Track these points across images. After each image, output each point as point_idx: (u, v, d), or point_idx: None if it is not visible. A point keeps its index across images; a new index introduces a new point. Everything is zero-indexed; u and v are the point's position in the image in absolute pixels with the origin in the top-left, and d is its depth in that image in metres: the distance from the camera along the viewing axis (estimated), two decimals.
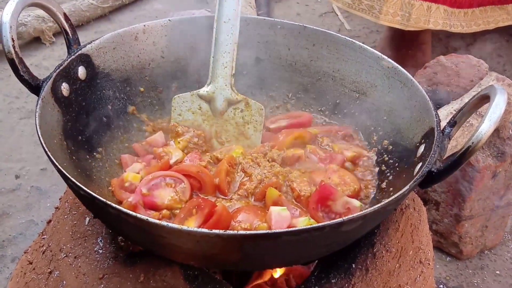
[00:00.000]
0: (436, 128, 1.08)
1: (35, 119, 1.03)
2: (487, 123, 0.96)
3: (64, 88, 1.15)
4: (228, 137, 1.27)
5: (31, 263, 1.19)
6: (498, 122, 0.98)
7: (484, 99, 1.02)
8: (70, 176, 0.93)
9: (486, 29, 2.10)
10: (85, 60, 1.22)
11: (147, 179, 1.14)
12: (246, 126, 1.27)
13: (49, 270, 1.13)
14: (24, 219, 1.83)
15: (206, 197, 1.14)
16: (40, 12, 2.58)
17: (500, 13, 2.09)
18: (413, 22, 2.00)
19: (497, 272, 1.74)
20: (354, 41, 1.33)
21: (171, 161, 1.20)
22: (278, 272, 1.23)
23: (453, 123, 1.08)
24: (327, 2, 2.91)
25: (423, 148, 1.10)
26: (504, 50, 2.53)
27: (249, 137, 1.27)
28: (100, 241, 1.12)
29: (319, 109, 1.38)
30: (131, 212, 0.87)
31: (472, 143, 0.97)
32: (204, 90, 1.25)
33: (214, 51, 1.23)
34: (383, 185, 1.18)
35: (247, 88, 1.39)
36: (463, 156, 0.98)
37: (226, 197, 1.14)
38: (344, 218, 0.89)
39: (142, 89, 1.33)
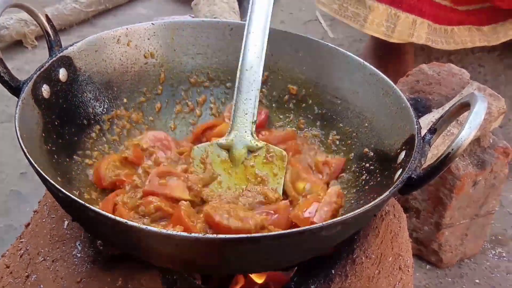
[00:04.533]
0: (416, 135, 1.08)
1: (15, 121, 1.02)
2: (467, 130, 0.97)
3: (45, 90, 1.14)
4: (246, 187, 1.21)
5: (8, 267, 1.17)
6: (478, 129, 0.98)
7: (465, 106, 1.03)
8: (48, 178, 0.93)
9: (464, 48, 2.12)
10: (67, 62, 1.21)
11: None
12: (264, 174, 1.21)
13: (27, 274, 1.11)
14: (3, 223, 1.81)
15: None
16: (23, 15, 2.56)
17: (477, 34, 2.10)
18: (397, 34, 2.00)
19: (476, 280, 1.75)
20: (337, 48, 1.33)
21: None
22: (258, 278, 1.22)
23: (433, 130, 1.08)
24: (311, 10, 2.92)
25: (403, 154, 1.11)
26: (486, 60, 2.55)
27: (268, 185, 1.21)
28: (79, 244, 1.11)
29: (301, 114, 1.38)
30: (109, 215, 0.87)
31: (452, 149, 0.97)
32: (224, 139, 1.21)
33: (235, 99, 1.19)
34: (363, 190, 1.19)
35: (229, 92, 1.39)
36: (443, 162, 0.98)
37: None
38: (323, 223, 0.89)
39: (124, 92, 1.33)
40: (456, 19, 2.05)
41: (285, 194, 1.22)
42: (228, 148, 1.22)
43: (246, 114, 1.20)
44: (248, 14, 1.20)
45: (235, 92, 1.21)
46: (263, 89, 1.40)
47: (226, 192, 1.19)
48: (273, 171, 1.21)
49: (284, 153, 1.22)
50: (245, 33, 1.21)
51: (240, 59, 1.20)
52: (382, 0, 1.99)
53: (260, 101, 1.35)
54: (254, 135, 1.22)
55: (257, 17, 1.20)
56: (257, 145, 1.21)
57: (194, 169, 1.21)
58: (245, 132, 1.21)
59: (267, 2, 1.20)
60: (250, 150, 1.22)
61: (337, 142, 1.32)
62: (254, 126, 1.21)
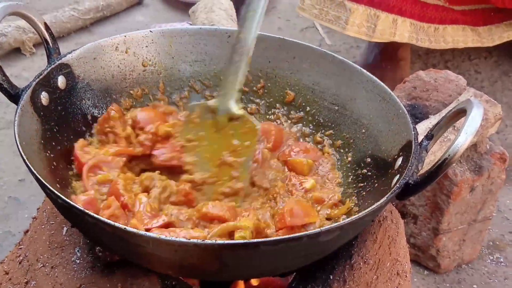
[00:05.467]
0: (413, 141, 1.09)
1: (14, 128, 1.03)
2: (463, 136, 0.97)
3: (44, 97, 1.15)
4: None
5: (7, 273, 1.17)
6: (475, 135, 0.99)
7: (461, 112, 1.04)
8: (48, 185, 0.93)
9: (454, 48, 2.13)
10: (65, 69, 1.22)
11: None
12: (238, 145, 1.23)
13: (26, 280, 1.12)
14: (1, 230, 1.81)
15: None
16: (21, 22, 2.57)
17: (471, 34, 2.11)
18: (378, 34, 2.02)
19: (474, 286, 1.75)
20: (334, 54, 1.34)
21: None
22: (255, 284, 1.23)
23: (430, 136, 1.09)
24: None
25: (400, 160, 1.11)
26: (482, 67, 2.56)
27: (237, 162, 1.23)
28: (78, 251, 1.11)
29: (299, 122, 1.39)
30: (108, 221, 0.87)
31: (449, 155, 0.98)
32: (212, 101, 1.24)
33: (226, 67, 1.22)
34: (361, 196, 1.19)
35: None
36: (440, 168, 0.99)
37: None
38: (321, 228, 0.90)
39: (122, 99, 1.33)
40: (449, 18, 2.06)
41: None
42: (214, 112, 1.24)
43: (233, 82, 1.21)
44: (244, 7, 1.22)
45: (227, 62, 1.22)
46: (260, 95, 1.42)
47: (204, 164, 1.22)
48: (245, 143, 1.22)
49: (257, 127, 1.22)
50: (244, 10, 1.21)
51: (236, 35, 1.21)
52: (362, 1, 2.01)
53: (257, 109, 1.37)
54: (238, 103, 1.23)
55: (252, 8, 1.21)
56: (236, 113, 1.23)
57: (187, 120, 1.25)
58: (229, 99, 1.22)
59: None
60: (231, 118, 1.23)
61: (334, 148, 1.33)
62: (239, 95, 1.23)
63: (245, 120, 1.22)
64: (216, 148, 1.22)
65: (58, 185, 1.09)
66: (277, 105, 1.41)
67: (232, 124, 1.22)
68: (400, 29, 2.01)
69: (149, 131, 1.26)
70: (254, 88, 1.41)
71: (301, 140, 1.37)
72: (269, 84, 1.41)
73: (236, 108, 1.22)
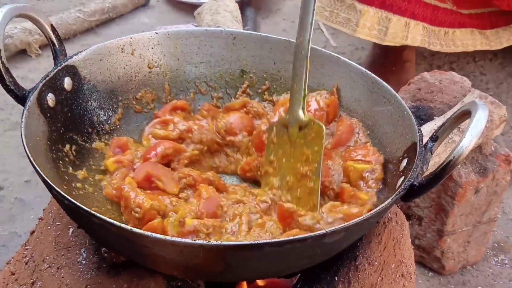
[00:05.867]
0: (418, 143, 1.09)
1: (21, 129, 1.03)
2: (468, 137, 0.98)
3: (50, 98, 1.15)
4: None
5: (13, 274, 1.18)
6: (479, 137, 0.99)
7: (466, 114, 1.04)
8: (54, 186, 0.94)
9: (464, 51, 2.12)
10: (71, 71, 1.22)
11: None
12: (308, 153, 1.22)
13: (32, 280, 1.12)
14: (7, 231, 1.82)
15: None
16: (27, 24, 2.58)
17: (479, 37, 2.11)
18: (390, 37, 2.01)
19: None
20: (339, 56, 1.34)
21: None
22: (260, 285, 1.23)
23: (435, 138, 1.09)
24: None
25: (405, 162, 1.12)
26: (487, 68, 2.56)
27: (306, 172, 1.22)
28: (84, 251, 1.11)
29: None
30: (114, 222, 0.88)
31: (454, 157, 0.98)
32: (284, 116, 1.24)
33: (292, 80, 1.21)
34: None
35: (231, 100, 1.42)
36: (445, 170, 0.99)
37: None
38: (326, 230, 0.90)
39: (127, 101, 1.34)
40: (458, 22, 2.05)
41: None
42: (286, 125, 1.24)
43: (298, 90, 1.21)
44: (300, 10, 1.21)
45: (292, 75, 1.22)
46: (265, 96, 1.42)
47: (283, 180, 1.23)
48: (314, 148, 1.21)
49: (322, 127, 1.21)
50: (300, 18, 1.20)
51: (296, 42, 1.20)
52: (373, 4, 1.99)
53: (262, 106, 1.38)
54: (305, 110, 1.22)
55: (307, 11, 1.20)
56: (303, 120, 1.22)
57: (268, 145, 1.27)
58: (297, 108, 1.21)
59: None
60: (301, 127, 1.22)
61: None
62: (305, 101, 1.22)
63: (311, 124, 1.22)
64: (293, 163, 1.22)
65: (64, 186, 1.09)
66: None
67: (302, 133, 1.22)
68: (413, 33, 2.00)
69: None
70: (259, 90, 1.42)
71: None
72: (274, 86, 1.41)
73: (302, 115, 1.22)
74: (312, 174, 1.19)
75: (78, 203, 0.91)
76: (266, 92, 1.42)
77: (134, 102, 1.35)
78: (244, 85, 1.42)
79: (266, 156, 1.25)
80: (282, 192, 1.21)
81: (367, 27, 2.02)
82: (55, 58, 1.23)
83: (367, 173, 1.20)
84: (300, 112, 1.21)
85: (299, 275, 1.16)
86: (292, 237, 0.89)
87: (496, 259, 1.84)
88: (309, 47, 1.18)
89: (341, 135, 1.30)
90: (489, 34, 2.13)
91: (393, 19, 1.99)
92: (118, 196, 1.15)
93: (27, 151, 0.99)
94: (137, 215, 1.10)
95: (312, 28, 1.19)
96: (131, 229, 0.87)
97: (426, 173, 1.05)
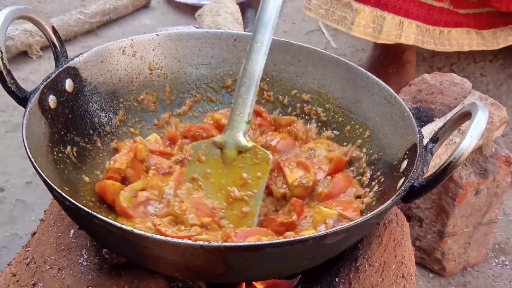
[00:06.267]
0: (419, 144, 1.09)
1: (22, 131, 1.04)
2: (468, 139, 0.98)
3: (51, 100, 1.16)
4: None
5: (14, 275, 1.18)
6: (480, 138, 0.99)
7: (466, 116, 1.04)
8: (56, 187, 0.94)
9: (459, 51, 2.13)
10: (73, 73, 1.22)
11: None
12: (247, 178, 1.20)
13: (33, 282, 1.12)
14: (8, 232, 1.82)
15: None
16: (28, 26, 2.58)
17: (476, 37, 2.12)
18: (384, 35, 2.02)
19: None
20: (339, 57, 1.34)
21: None
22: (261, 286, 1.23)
23: (435, 139, 1.09)
24: (313, 21, 2.94)
25: (406, 163, 1.12)
26: (488, 70, 2.57)
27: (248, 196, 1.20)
28: (85, 253, 1.12)
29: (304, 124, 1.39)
30: (116, 223, 0.88)
31: (454, 158, 0.98)
32: (218, 137, 1.23)
33: (234, 101, 1.21)
34: (366, 199, 1.19)
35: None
36: (445, 171, 0.99)
37: None
38: (327, 231, 0.90)
39: (128, 102, 1.34)
40: (454, 21, 2.06)
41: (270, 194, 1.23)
42: (221, 147, 1.23)
43: (241, 114, 1.21)
44: (255, 25, 1.22)
45: (234, 95, 1.22)
46: (266, 97, 1.42)
47: (212, 194, 1.20)
48: (257, 174, 1.20)
49: (270, 156, 1.21)
50: (250, 43, 1.22)
51: (242, 67, 1.21)
52: (368, 2, 2.01)
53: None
54: (246, 136, 1.22)
55: (263, 30, 1.21)
56: (246, 145, 1.21)
57: (190, 166, 1.24)
58: (238, 132, 1.21)
59: (273, 16, 1.22)
60: (240, 151, 1.22)
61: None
62: (247, 126, 1.22)
63: (256, 150, 1.21)
64: (225, 184, 1.20)
65: (65, 188, 1.10)
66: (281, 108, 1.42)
67: (242, 157, 1.21)
68: (406, 31, 2.02)
69: None
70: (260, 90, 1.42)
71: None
72: (275, 88, 1.41)
73: (245, 141, 1.21)
74: (251, 199, 1.17)
75: (79, 205, 0.91)
76: (265, 93, 1.42)
77: (135, 104, 1.35)
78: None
79: (188, 173, 1.22)
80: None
81: (362, 25, 2.03)
82: (56, 59, 1.23)
83: (331, 220, 1.14)
84: (241, 137, 1.21)
85: (299, 276, 1.16)
86: (293, 238, 0.90)
87: (496, 261, 1.85)
88: (260, 76, 1.20)
89: (335, 189, 1.23)
90: (486, 34, 2.14)
91: (387, 17, 2.00)
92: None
93: (29, 153, 1.00)
94: (108, 164, 1.20)
95: (265, 58, 1.20)
96: (132, 230, 0.87)
97: (427, 175, 1.05)
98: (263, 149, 1.22)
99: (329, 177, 1.24)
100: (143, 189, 1.16)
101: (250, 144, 1.21)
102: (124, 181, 1.20)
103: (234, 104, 1.21)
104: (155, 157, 1.27)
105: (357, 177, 1.26)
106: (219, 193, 1.19)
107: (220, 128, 1.33)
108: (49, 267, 1.11)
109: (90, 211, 0.90)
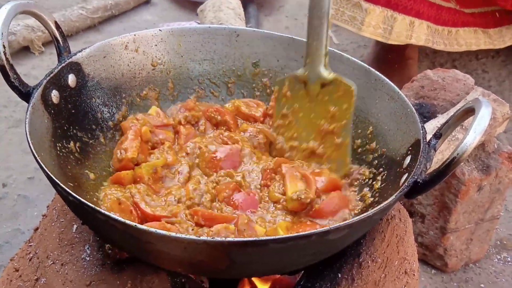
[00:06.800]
0: (422, 140, 1.09)
1: (25, 126, 1.04)
2: (472, 135, 0.98)
3: (54, 95, 1.16)
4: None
5: (17, 270, 1.18)
6: (483, 134, 0.99)
7: (469, 112, 1.04)
8: (59, 182, 0.94)
9: (468, 50, 2.13)
10: (75, 68, 1.22)
11: None
12: (335, 110, 1.22)
13: (36, 277, 1.12)
14: (11, 228, 1.82)
15: None
16: (30, 21, 2.58)
17: (483, 36, 2.11)
18: (395, 35, 2.02)
19: (482, 285, 1.75)
20: (342, 53, 1.34)
21: None
22: (263, 282, 1.23)
23: (438, 135, 1.09)
24: None
25: (409, 159, 1.12)
26: (490, 66, 2.56)
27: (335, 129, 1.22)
28: (88, 248, 1.12)
29: None
30: (119, 218, 0.88)
31: (457, 154, 0.98)
32: (300, 71, 1.24)
33: (308, 36, 1.22)
34: (370, 195, 1.19)
35: (235, 96, 1.42)
36: (448, 167, 0.99)
37: None
38: (330, 226, 0.90)
39: (131, 98, 1.34)
40: (461, 21, 2.06)
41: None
42: (304, 82, 1.24)
43: (318, 47, 1.21)
44: None
45: (307, 30, 1.22)
46: (269, 93, 1.42)
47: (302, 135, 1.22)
48: (343, 106, 1.22)
49: (352, 87, 1.22)
50: None
51: (309, 1, 1.21)
52: (378, 2, 2.00)
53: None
54: (327, 67, 1.23)
55: None
56: (328, 78, 1.23)
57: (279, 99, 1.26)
58: (318, 65, 1.22)
59: None
60: (323, 84, 1.23)
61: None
62: (327, 58, 1.22)
63: (338, 82, 1.22)
64: (314, 118, 1.22)
65: (69, 182, 1.10)
66: None
67: (326, 90, 1.22)
68: (417, 32, 2.01)
69: None
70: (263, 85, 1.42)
71: None
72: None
73: (327, 73, 1.23)
74: (342, 130, 1.20)
75: (82, 199, 0.91)
76: (268, 89, 1.42)
77: (138, 100, 1.35)
78: (265, 80, 1.43)
79: (277, 110, 1.25)
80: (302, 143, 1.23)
81: (372, 26, 2.03)
82: (59, 55, 1.23)
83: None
84: (322, 69, 1.22)
85: (302, 272, 1.16)
86: (296, 234, 0.90)
87: (498, 257, 1.85)
88: (330, 6, 1.19)
89: (326, 207, 1.17)
90: (492, 33, 2.13)
91: (398, 18, 1.99)
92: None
93: (32, 148, 0.99)
94: (120, 154, 1.20)
95: None
96: (135, 225, 0.87)
97: (430, 170, 1.05)
98: (345, 80, 1.23)
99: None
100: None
101: (332, 76, 1.23)
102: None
103: (309, 38, 1.22)
104: (159, 131, 1.29)
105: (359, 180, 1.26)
106: (310, 128, 1.22)
107: (240, 115, 1.36)
108: (52, 262, 1.11)
109: (93, 206, 0.90)
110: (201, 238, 0.87)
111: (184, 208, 1.11)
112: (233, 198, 1.14)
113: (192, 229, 1.07)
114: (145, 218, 1.09)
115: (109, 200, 1.12)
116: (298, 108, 1.23)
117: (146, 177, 1.17)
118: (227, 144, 1.26)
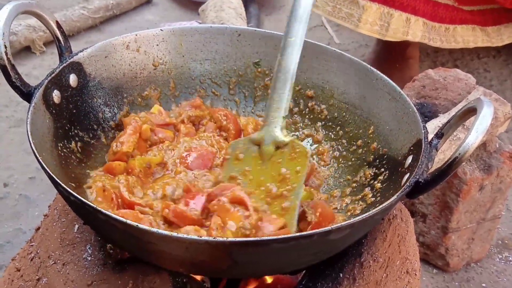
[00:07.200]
0: (423, 140, 1.09)
1: (27, 126, 1.04)
2: (473, 134, 0.98)
3: (56, 95, 1.16)
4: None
5: (19, 270, 1.18)
6: (485, 134, 0.99)
7: (471, 111, 1.04)
8: (60, 182, 0.94)
9: (465, 47, 2.13)
10: (77, 68, 1.22)
11: None
12: (286, 173, 1.18)
13: (37, 277, 1.13)
14: (12, 228, 1.83)
15: None
16: (31, 21, 2.58)
17: (481, 34, 2.11)
18: (391, 32, 2.02)
19: (483, 284, 1.75)
20: (343, 53, 1.34)
21: None
22: (266, 281, 1.23)
23: (440, 135, 1.09)
24: (316, 16, 2.93)
25: (410, 159, 1.12)
26: (491, 65, 2.56)
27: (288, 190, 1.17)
28: (89, 248, 1.12)
29: (307, 119, 1.39)
30: (120, 218, 0.88)
31: (459, 154, 0.98)
32: (256, 134, 1.23)
33: (270, 96, 1.22)
34: (371, 195, 1.19)
35: (236, 97, 1.42)
36: (450, 166, 0.99)
37: None
38: (332, 226, 0.90)
39: (132, 98, 1.34)
40: (459, 18, 2.06)
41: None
42: (259, 144, 1.22)
43: (278, 109, 1.21)
44: (289, 19, 1.25)
45: (271, 90, 1.23)
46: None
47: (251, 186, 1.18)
48: (296, 169, 1.19)
49: (308, 150, 1.20)
50: (284, 38, 1.24)
51: (276, 62, 1.22)
52: None
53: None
54: (283, 130, 1.22)
55: (297, 24, 1.24)
56: (284, 140, 1.21)
57: (230, 164, 1.22)
58: (275, 127, 1.21)
59: (307, 9, 1.24)
60: (278, 146, 1.21)
61: (344, 147, 1.33)
62: (284, 121, 1.22)
63: (294, 145, 1.21)
64: (263, 181, 1.18)
65: (70, 183, 1.10)
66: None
67: (280, 152, 1.21)
68: (413, 28, 2.01)
69: None
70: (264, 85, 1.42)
71: (311, 138, 1.37)
72: None
73: (282, 136, 1.21)
74: (291, 194, 1.15)
75: (84, 200, 0.91)
76: (270, 89, 1.41)
77: (139, 100, 1.35)
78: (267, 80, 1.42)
79: (226, 172, 1.21)
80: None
81: (369, 23, 2.03)
82: (61, 54, 1.23)
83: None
84: (278, 132, 1.21)
85: (304, 271, 1.16)
86: (298, 234, 0.90)
87: (500, 256, 1.84)
88: (295, 70, 1.20)
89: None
90: (490, 31, 2.13)
91: (394, 14, 2.00)
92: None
93: (33, 148, 1.00)
94: (115, 147, 1.21)
95: (299, 52, 1.20)
96: (137, 225, 0.87)
97: (431, 170, 1.05)
98: (301, 143, 1.22)
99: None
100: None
101: (287, 139, 1.22)
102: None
103: (270, 99, 1.22)
104: (159, 130, 1.29)
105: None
106: (258, 190, 1.17)
107: (245, 133, 1.34)
108: (53, 262, 1.11)
109: (94, 205, 0.90)
110: (203, 238, 0.87)
111: (161, 202, 1.10)
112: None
113: (163, 224, 1.06)
114: (123, 205, 1.09)
115: (96, 187, 1.13)
116: (248, 170, 1.20)
117: (137, 169, 1.17)
118: (213, 146, 1.26)
